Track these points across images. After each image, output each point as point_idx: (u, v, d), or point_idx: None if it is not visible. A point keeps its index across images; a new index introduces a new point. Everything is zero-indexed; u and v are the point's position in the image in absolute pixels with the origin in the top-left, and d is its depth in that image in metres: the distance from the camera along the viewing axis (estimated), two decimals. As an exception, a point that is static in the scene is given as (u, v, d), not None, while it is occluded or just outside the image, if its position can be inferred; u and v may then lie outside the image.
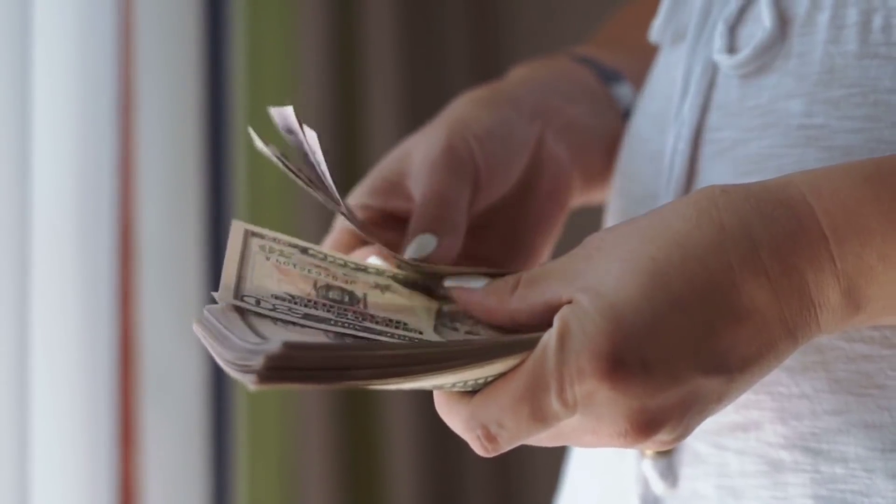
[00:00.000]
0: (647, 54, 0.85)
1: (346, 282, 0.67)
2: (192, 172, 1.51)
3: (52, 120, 1.28)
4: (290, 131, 0.68)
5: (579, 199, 0.83)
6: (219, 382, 1.55)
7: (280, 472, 1.67)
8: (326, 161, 0.66)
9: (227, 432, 1.58)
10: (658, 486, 0.74)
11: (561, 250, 0.73)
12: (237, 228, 0.66)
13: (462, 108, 0.78)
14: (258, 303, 0.63)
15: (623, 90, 0.85)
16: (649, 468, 0.74)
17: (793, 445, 0.70)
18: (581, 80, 0.84)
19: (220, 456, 1.57)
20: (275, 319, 0.62)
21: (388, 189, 0.76)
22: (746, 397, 0.71)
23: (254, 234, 0.66)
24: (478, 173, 0.75)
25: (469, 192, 0.75)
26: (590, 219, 0.92)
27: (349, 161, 1.87)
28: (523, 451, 0.83)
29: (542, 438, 0.64)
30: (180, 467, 1.49)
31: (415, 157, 0.76)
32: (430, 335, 0.65)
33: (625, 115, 0.84)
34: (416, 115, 1.76)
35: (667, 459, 0.74)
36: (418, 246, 0.72)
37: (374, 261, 0.71)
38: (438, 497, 1.99)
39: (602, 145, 0.83)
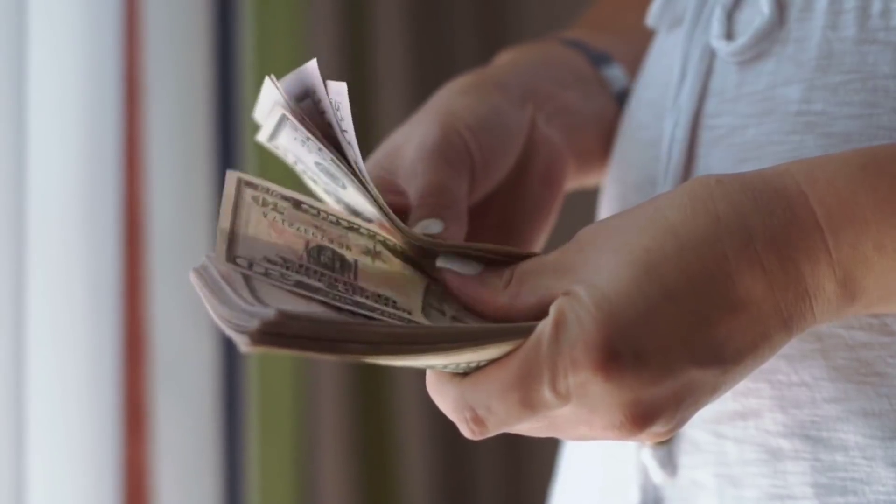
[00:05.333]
0: (636, 36, 0.84)
1: (339, 244, 0.66)
2: (200, 158, 1.51)
3: (55, 105, 1.28)
4: (306, 94, 0.67)
5: (574, 181, 0.82)
6: (230, 370, 1.55)
7: (293, 460, 1.67)
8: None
9: (239, 420, 1.58)
10: (657, 475, 0.74)
11: (556, 238, 0.73)
12: (231, 178, 0.65)
13: (451, 99, 0.77)
14: (251, 266, 0.63)
15: (614, 72, 0.84)
16: (649, 457, 0.74)
17: (792, 434, 0.70)
18: (571, 64, 0.83)
19: (232, 444, 1.57)
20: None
21: (380, 184, 0.74)
22: (745, 385, 0.70)
23: (247, 185, 0.66)
24: (473, 164, 0.74)
25: (466, 182, 0.74)
26: (585, 208, 0.91)
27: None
28: (535, 441, 0.83)
29: (537, 429, 0.63)
30: (191, 456, 1.49)
31: (406, 151, 0.74)
32: (418, 315, 0.64)
33: (617, 96, 0.83)
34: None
35: (666, 448, 0.74)
36: (422, 229, 0.70)
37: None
38: (451, 487, 1.99)
39: (595, 127, 0.82)
